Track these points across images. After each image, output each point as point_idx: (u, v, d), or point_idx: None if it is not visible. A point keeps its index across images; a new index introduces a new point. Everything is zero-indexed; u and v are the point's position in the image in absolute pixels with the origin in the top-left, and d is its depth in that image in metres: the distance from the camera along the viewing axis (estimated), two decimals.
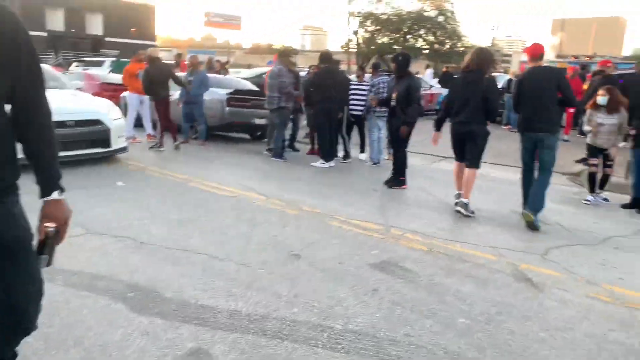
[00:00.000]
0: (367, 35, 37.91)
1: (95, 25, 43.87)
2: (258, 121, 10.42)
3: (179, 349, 2.69)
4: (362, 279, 3.71)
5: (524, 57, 6.31)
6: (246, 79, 14.67)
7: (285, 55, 9.15)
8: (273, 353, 2.70)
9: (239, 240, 4.44)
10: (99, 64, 17.95)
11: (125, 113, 10.00)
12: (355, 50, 38.50)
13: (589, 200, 6.68)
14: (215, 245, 4.29)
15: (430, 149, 10.12)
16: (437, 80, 20.39)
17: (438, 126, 6.20)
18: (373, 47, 37.17)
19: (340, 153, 9.12)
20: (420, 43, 38.58)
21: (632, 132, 6.37)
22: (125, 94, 10.63)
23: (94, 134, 7.19)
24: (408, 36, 37.91)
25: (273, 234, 4.65)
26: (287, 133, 9.63)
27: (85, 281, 3.44)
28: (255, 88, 11.63)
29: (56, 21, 41.25)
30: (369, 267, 3.96)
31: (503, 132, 10.91)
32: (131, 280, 3.49)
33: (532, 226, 5.31)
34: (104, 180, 6.44)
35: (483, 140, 5.75)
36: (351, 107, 9.00)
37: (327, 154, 8.48)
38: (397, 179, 7.10)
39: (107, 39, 42.99)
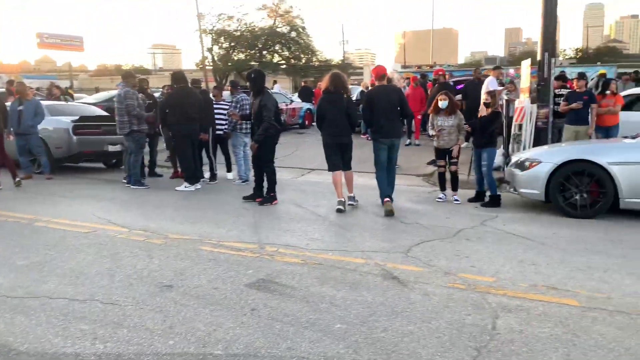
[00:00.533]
0: (222, 52, 37.71)
1: None
2: (112, 148, 9.79)
3: None
4: (239, 301, 3.66)
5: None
6: (94, 103, 13.80)
7: (129, 77, 8.76)
8: None
9: (102, 278, 4.10)
10: None
11: None
12: (211, 67, 38.06)
13: (441, 198, 7.37)
14: (74, 286, 3.92)
15: (297, 162, 10.40)
16: (297, 94, 21.06)
17: None
18: (230, 63, 37.08)
19: (207, 174, 8.93)
20: (277, 58, 39.44)
21: (468, 128, 7.24)
22: None
23: None
24: (264, 52, 38.52)
25: (139, 267, 4.38)
26: (146, 158, 9.19)
27: None
28: (104, 113, 10.94)
29: None
30: (246, 288, 3.92)
31: (361, 140, 11.56)
32: None
33: (392, 213, 6.37)
34: None
35: (351, 148, 6.89)
36: None
37: (192, 176, 8.24)
38: (268, 194, 7.14)
39: None
